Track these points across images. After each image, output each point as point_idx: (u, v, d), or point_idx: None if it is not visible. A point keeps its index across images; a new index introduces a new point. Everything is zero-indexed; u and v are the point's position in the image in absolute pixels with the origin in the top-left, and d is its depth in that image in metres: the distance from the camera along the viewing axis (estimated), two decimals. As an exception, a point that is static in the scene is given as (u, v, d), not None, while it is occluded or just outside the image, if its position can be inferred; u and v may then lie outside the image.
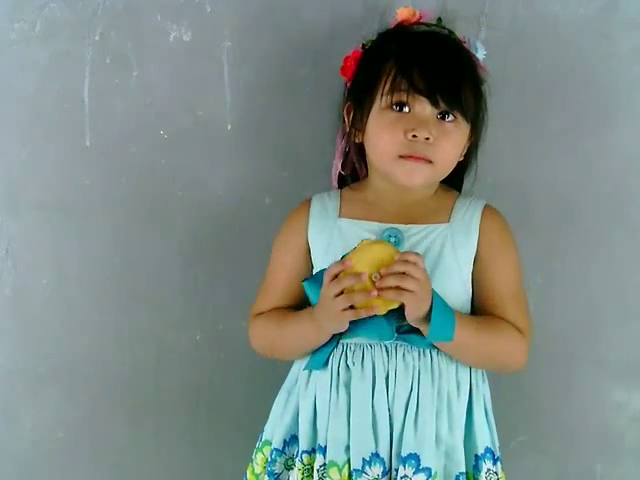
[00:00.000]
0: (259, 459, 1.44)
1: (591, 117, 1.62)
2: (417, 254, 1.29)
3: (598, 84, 1.61)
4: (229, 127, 1.65)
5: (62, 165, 1.67)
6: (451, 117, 1.36)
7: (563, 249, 1.65)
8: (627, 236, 1.65)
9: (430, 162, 1.34)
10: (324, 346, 1.37)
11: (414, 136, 1.33)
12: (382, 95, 1.35)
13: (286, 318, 1.41)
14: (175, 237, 1.68)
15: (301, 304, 1.43)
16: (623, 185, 1.64)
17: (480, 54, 1.43)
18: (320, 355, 1.37)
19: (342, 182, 1.50)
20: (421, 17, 1.42)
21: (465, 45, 1.42)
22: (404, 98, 1.34)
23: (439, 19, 1.43)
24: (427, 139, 1.33)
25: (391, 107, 1.35)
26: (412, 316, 1.28)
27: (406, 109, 1.35)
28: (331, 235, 1.40)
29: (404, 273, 1.25)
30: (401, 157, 1.34)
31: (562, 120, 1.62)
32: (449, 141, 1.35)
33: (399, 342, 1.34)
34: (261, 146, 1.66)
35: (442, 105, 1.34)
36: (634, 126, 1.63)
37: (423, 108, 1.34)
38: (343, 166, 1.49)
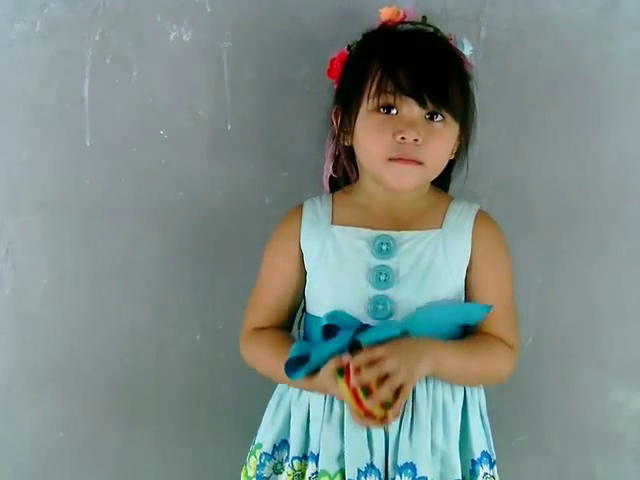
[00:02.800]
0: (252, 462, 1.44)
1: (591, 117, 1.62)
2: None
3: (598, 84, 1.61)
4: (229, 127, 1.65)
5: (62, 165, 1.67)
6: (439, 117, 1.33)
7: (563, 249, 1.65)
8: (627, 236, 1.65)
9: (420, 163, 1.32)
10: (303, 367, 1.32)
11: (403, 138, 1.31)
12: (369, 98, 1.33)
13: (280, 357, 1.31)
14: (175, 237, 1.68)
15: (293, 316, 1.44)
16: (623, 185, 1.64)
17: (467, 50, 1.40)
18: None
19: (334, 185, 1.49)
20: (405, 16, 1.40)
21: (451, 42, 1.40)
22: (391, 100, 1.32)
23: (424, 17, 1.41)
24: (416, 140, 1.31)
25: (378, 110, 1.33)
26: (423, 374, 1.29)
27: (394, 111, 1.32)
28: (324, 242, 1.38)
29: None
30: (391, 160, 1.32)
31: (562, 120, 1.62)
32: (439, 141, 1.33)
33: None
34: (261, 146, 1.66)
35: (430, 105, 1.32)
36: (634, 126, 1.63)
37: (411, 109, 1.32)
38: (334, 169, 1.48)
